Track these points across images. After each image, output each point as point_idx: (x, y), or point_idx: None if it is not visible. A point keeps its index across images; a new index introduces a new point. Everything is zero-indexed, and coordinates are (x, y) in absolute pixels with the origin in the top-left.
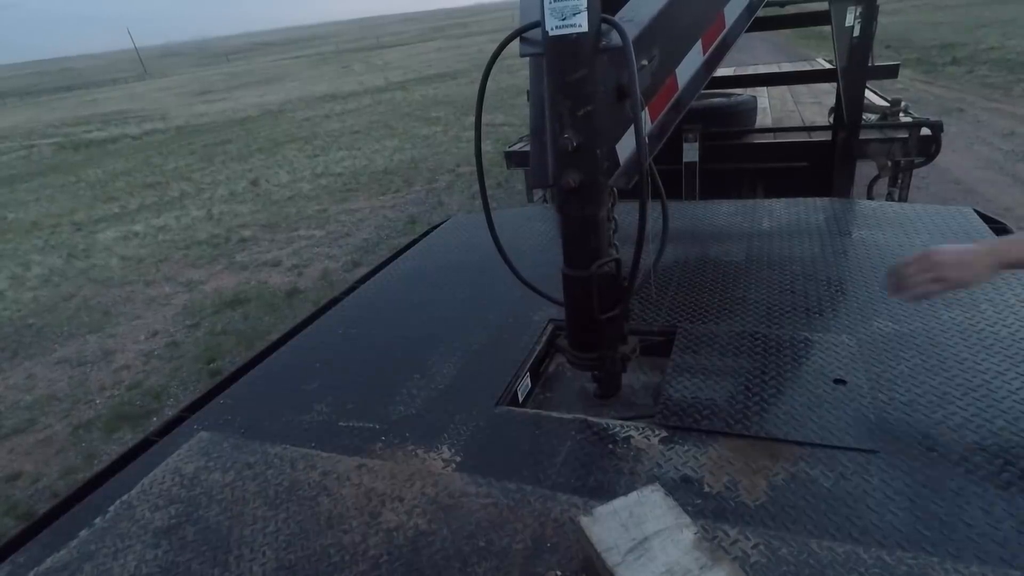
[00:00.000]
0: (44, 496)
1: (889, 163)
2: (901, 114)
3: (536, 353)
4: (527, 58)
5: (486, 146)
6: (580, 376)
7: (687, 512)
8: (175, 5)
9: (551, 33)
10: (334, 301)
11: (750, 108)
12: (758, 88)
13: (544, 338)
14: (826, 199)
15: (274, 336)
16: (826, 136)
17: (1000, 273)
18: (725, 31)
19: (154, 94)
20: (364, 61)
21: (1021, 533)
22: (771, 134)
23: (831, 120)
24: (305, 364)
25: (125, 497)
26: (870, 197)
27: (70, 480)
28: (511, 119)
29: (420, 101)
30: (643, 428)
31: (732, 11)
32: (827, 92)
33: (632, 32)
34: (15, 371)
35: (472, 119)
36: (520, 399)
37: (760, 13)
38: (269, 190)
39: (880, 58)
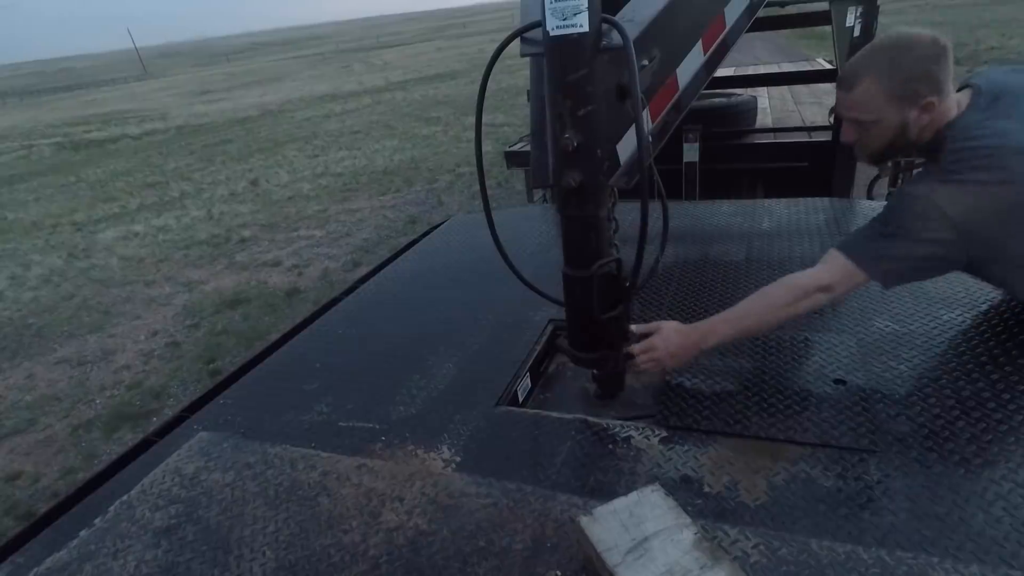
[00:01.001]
0: (44, 496)
1: (889, 163)
2: None
3: (536, 353)
4: (527, 58)
5: (486, 146)
6: (580, 376)
7: (687, 512)
8: (175, 5)
9: (552, 33)
10: (334, 301)
11: (750, 108)
12: (758, 88)
13: (544, 338)
14: (826, 199)
15: (274, 336)
16: (826, 136)
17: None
18: (726, 31)
19: (154, 94)
20: (364, 61)
21: (1021, 532)
22: (771, 134)
23: (831, 120)
24: (305, 364)
25: (125, 497)
26: (870, 197)
27: (70, 480)
28: (511, 119)
29: (420, 101)
30: (643, 428)
31: (733, 11)
32: (827, 92)
33: (633, 32)
34: (15, 371)
35: (472, 119)
36: (520, 399)
37: (760, 13)
38: (269, 190)
39: None
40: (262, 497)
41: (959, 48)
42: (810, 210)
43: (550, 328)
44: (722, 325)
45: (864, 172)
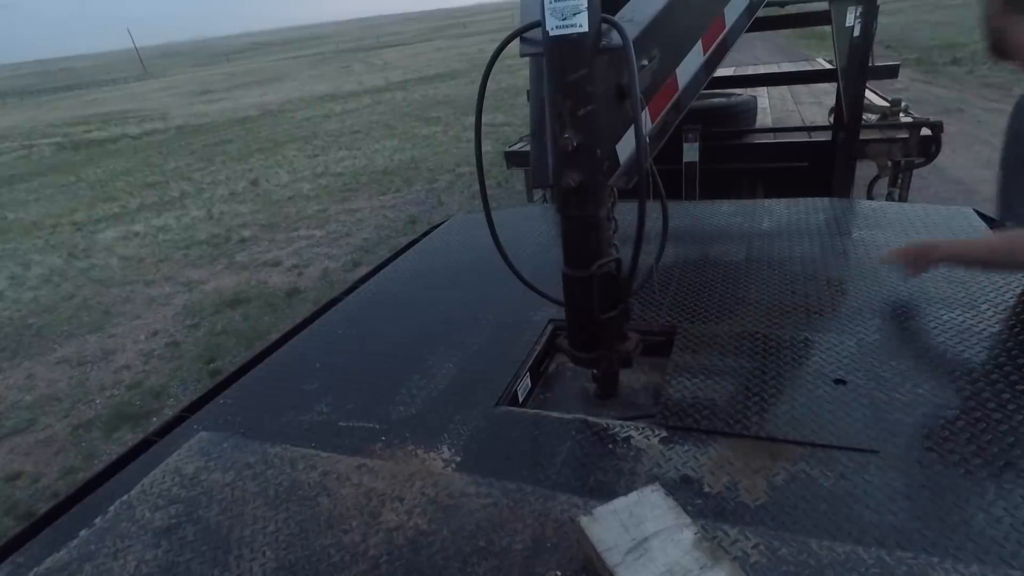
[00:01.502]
0: (44, 496)
1: (889, 163)
2: (901, 114)
3: (536, 353)
4: (527, 58)
5: (486, 146)
6: (580, 376)
7: (687, 512)
8: (175, 5)
9: (551, 33)
10: (334, 301)
11: (750, 108)
12: (758, 88)
13: (544, 338)
14: (826, 199)
15: (274, 336)
16: (826, 136)
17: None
18: (725, 31)
19: (154, 94)
20: (364, 61)
21: (1021, 532)
22: (771, 134)
23: (831, 120)
24: (305, 364)
25: (125, 497)
26: (870, 197)
27: (70, 480)
28: (511, 119)
29: (420, 101)
30: (643, 428)
31: (732, 11)
32: (827, 92)
33: (632, 32)
34: (15, 371)
35: (472, 119)
36: (520, 399)
37: (760, 13)
38: (269, 190)
39: (880, 58)
40: (262, 497)
41: (959, 48)
42: (810, 210)
43: (550, 328)
44: (974, 244)
45: (864, 172)
